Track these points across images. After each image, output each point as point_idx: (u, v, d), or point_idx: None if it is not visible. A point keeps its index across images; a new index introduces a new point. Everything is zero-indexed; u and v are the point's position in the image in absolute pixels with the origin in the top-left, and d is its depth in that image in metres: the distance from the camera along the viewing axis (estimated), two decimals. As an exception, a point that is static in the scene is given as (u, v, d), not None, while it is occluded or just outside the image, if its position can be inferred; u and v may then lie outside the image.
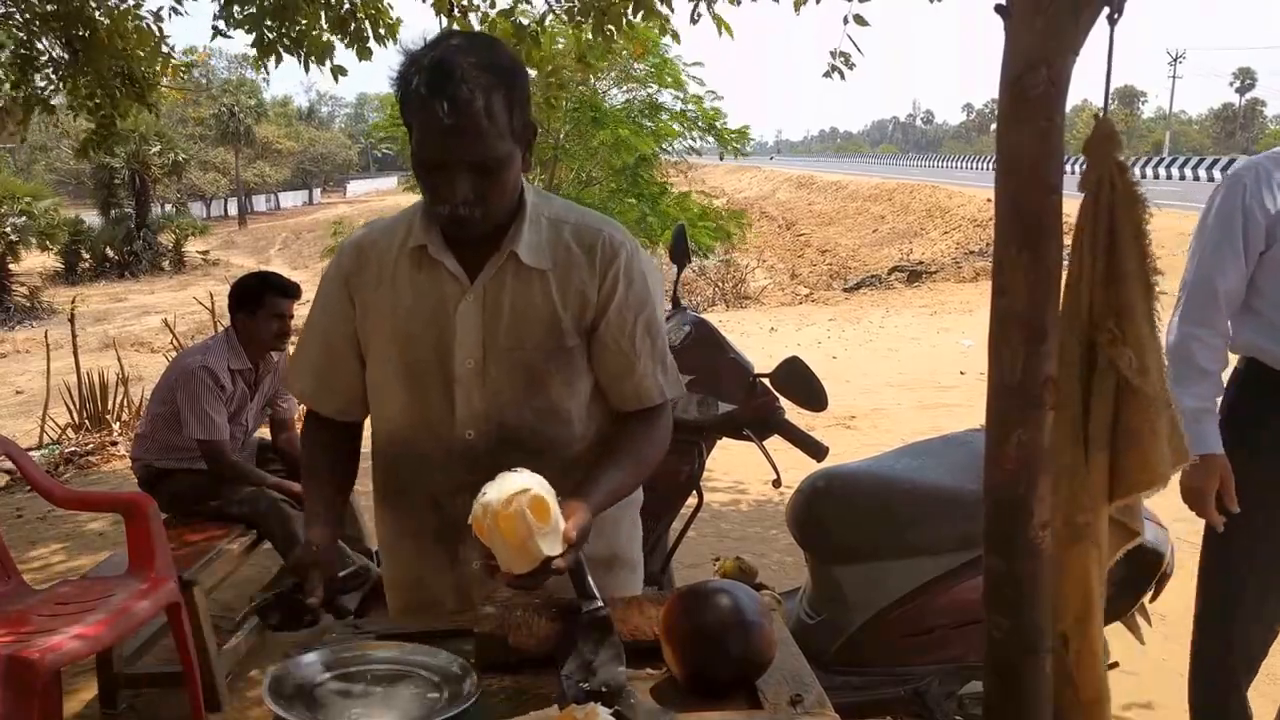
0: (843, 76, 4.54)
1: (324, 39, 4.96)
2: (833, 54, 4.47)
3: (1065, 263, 1.41)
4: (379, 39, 4.96)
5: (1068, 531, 1.43)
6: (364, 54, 5.00)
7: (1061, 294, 1.41)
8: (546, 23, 5.07)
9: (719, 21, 4.60)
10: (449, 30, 1.46)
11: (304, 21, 4.89)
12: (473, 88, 1.34)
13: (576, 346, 1.53)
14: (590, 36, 4.87)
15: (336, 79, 5.27)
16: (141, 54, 5.38)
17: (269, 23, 4.84)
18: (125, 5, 5.33)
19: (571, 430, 1.56)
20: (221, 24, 4.92)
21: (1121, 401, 1.38)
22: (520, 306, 1.50)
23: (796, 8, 4.51)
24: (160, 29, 5.45)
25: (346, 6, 4.92)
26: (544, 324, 1.51)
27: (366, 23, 4.94)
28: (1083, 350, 1.40)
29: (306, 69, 5.02)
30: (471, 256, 1.50)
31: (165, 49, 5.60)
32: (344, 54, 5.46)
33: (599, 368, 1.56)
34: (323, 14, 4.93)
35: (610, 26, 4.61)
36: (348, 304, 1.57)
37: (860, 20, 4.30)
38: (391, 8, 5.10)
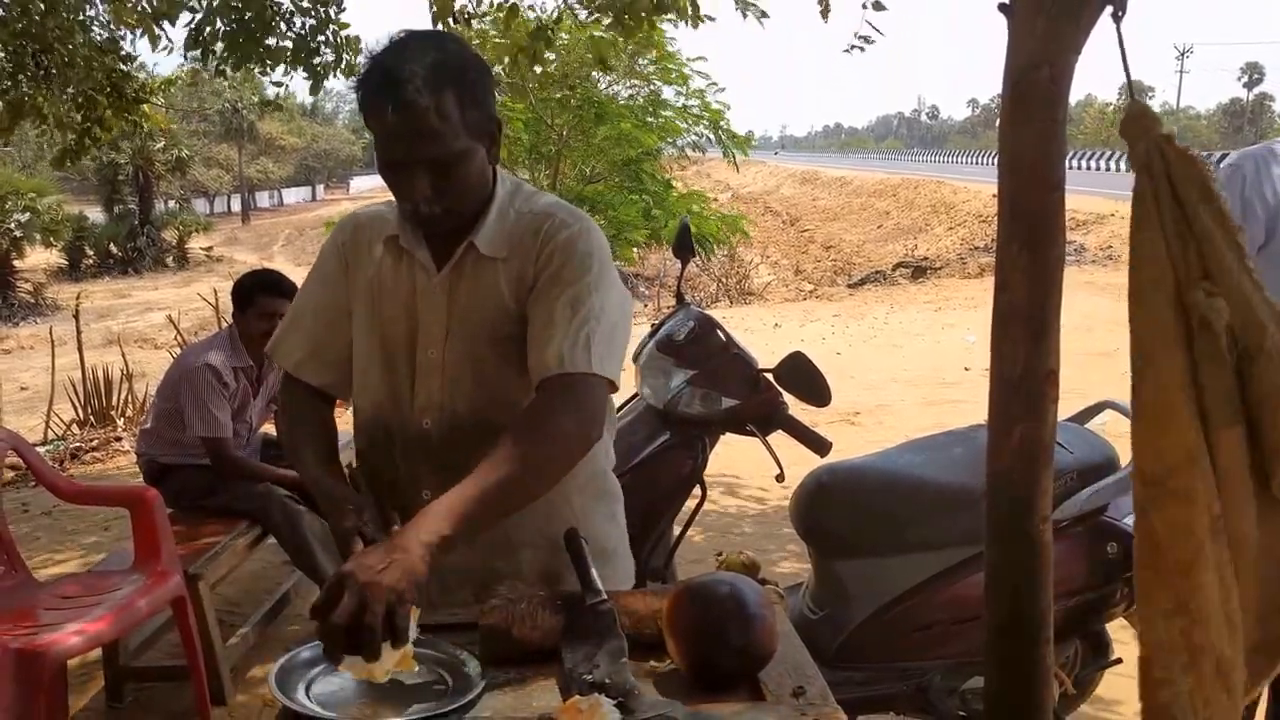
0: (863, 50, 4.64)
1: (278, 52, 4.98)
2: (855, 35, 4.58)
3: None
4: (336, 68, 5.00)
5: (1202, 527, 1.26)
6: (316, 88, 5.04)
7: (1129, 277, 1.32)
8: (561, 21, 5.09)
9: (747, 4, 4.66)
10: (405, 32, 1.47)
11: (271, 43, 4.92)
12: (421, 88, 1.36)
13: (523, 335, 1.51)
14: (607, 34, 4.88)
15: (265, 107, 5.34)
16: (115, 76, 5.40)
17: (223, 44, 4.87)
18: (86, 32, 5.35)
19: None
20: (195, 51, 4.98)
21: (1243, 368, 1.26)
22: (476, 297, 1.52)
23: (824, 15, 4.55)
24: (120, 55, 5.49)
25: (320, 37, 4.95)
26: (495, 313, 1.52)
27: (329, 53, 4.97)
28: (1176, 323, 1.28)
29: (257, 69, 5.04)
30: (443, 248, 1.53)
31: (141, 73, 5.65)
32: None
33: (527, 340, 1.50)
34: (280, 33, 4.94)
35: (632, 21, 4.60)
36: (344, 276, 1.61)
37: (879, 5, 4.37)
38: (364, 49, 5.13)
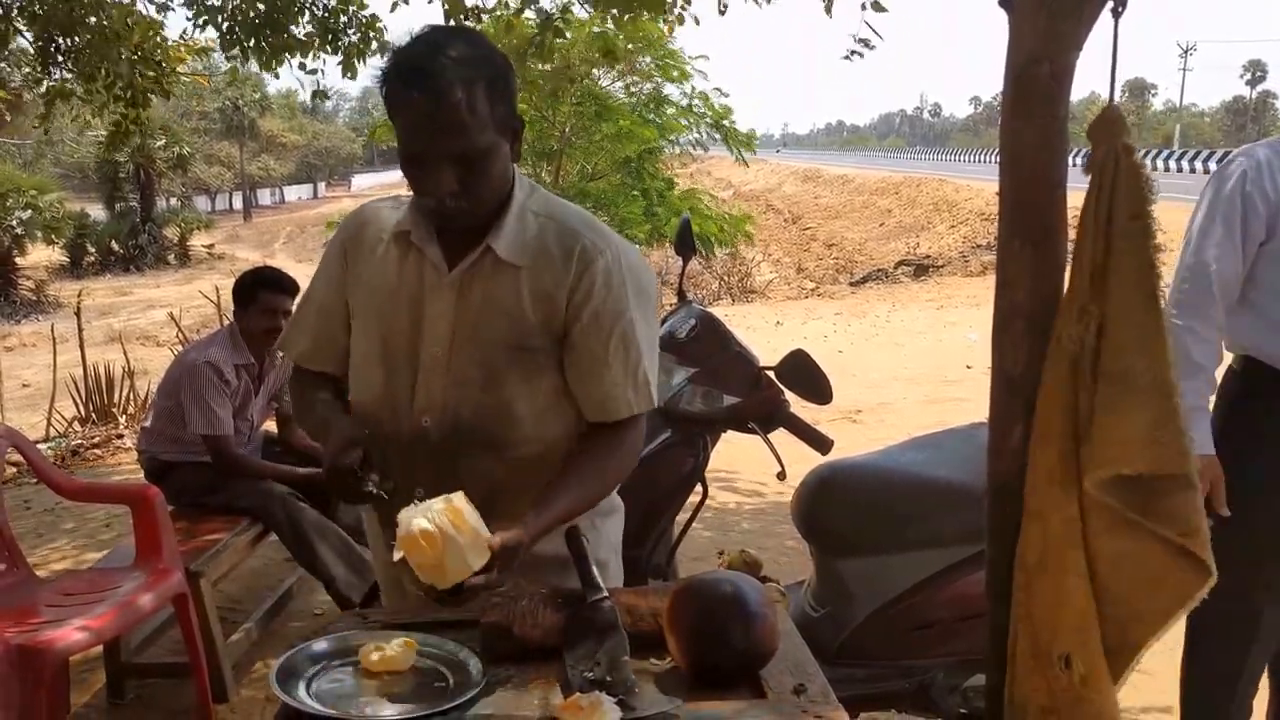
0: (862, 56, 4.59)
1: (306, 42, 4.98)
2: (853, 38, 4.52)
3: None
4: (369, 52, 5.01)
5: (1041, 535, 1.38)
6: (349, 67, 5.03)
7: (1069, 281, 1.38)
8: (569, 12, 5.08)
9: None
10: (431, 26, 1.49)
11: (284, 33, 4.93)
12: (451, 80, 1.36)
13: (542, 348, 1.53)
14: (613, 26, 4.85)
15: (314, 99, 5.33)
16: (151, 43, 5.42)
17: (249, 37, 4.89)
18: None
19: (523, 431, 1.55)
20: (200, 23, 4.99)
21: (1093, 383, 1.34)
22: (490, 301, 1.51)
23: (827, 10, 4.50)
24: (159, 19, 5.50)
25: (341, 19, 4.95)
26: (510, 320, 1.51)
27: (354, 34, 4.97)
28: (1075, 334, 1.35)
29: (265, 66, 5.05)
30: (455, 246, 1.52)
31: (174, 40, 5.65)
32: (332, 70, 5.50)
33: (569, 372, 1.55)
34: (302, 20, 4.94)
35: (640, 7, 4.56)
36: (343, 271, 1.61)
37: (878, 6, 4.31)
38: (385, 30, 5.13)
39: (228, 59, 5.20)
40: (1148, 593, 1.34)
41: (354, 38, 5.11)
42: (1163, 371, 1.31)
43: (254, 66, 5.22)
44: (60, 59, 5.40)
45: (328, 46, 5.07)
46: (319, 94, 5.42)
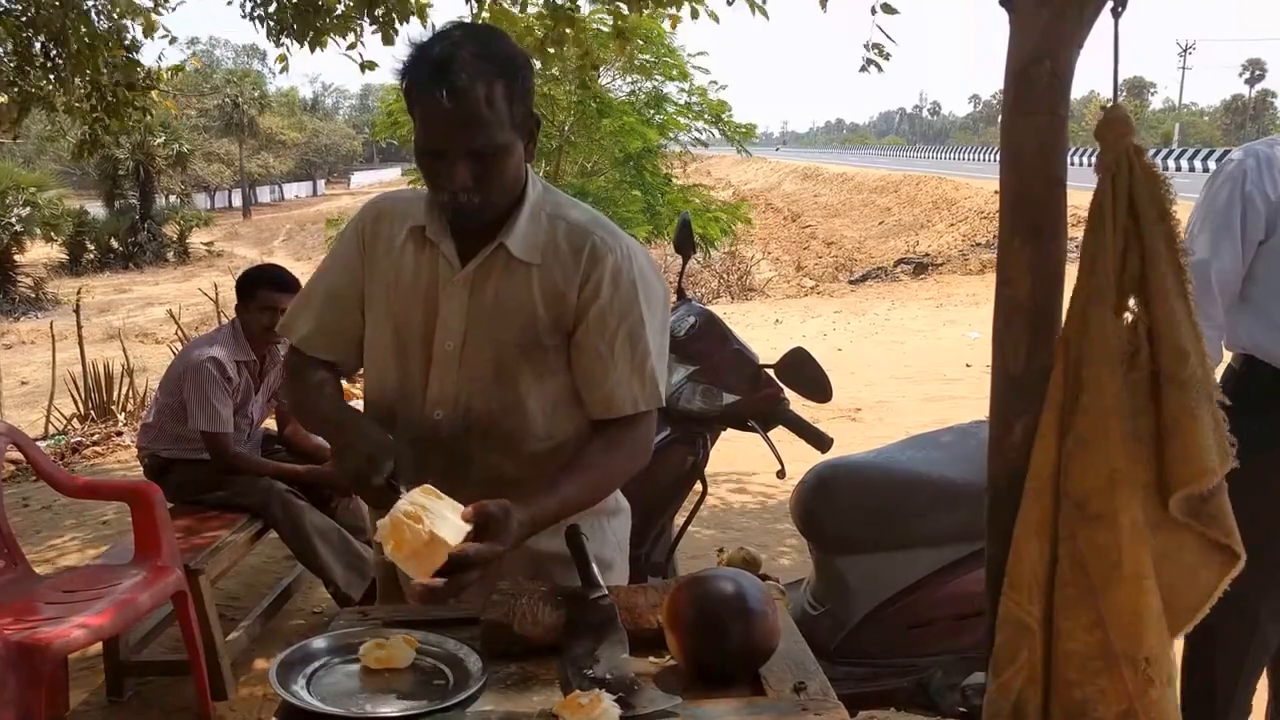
0: (880, 69, 4.40)
1: (347, 20, 4.97)
2: (866, 46, 4.36)
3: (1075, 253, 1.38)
4: (404, 19, 4.99)
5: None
6: (389, 39, 5.03)
7: (1076, 281, 1.37)
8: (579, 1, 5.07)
9: (753, 5, 4.57)
10: (455, 23, 1.50)
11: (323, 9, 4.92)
12: (472, 76, 1.38)
13: (553, 346, 1.54)
14: (627, 11, 4.82)
15: (364, 71, 5.30)
16: (120, 64, 5.44)
17: (293, 23, 4.89)
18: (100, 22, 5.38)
19: (534, 428, 1.56)
20: (247, 9, 4.99)
21: (1159, 389, 1.33)
22: (503, 298, 1.52)
23: (822, 4, 4.43)
24: (132, 38, 5.54)
25: None
26: (522, 318, 1.52)
27: (393, 6, 4.97)
28: (1116, 339, 1.34)
29: (304, 48, 5.04)
30: (469, 243, 1.53)
31: (152, 59, 5.72)
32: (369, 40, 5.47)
33: (575, 370, 1.56)
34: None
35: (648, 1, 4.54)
36: (359, 260, 1.61)
37: (889, 9, 4.20)
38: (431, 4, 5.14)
39: (275, 45, 5.20)
40: (1184, 586, 1.35)
41: (392, 4, 5.10)
42: (1209, 376, 1.31)
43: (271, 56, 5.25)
44: (39, 64, 5.41)
45: (365, 19, 5.05)
46: (367, 65, 5.38)
